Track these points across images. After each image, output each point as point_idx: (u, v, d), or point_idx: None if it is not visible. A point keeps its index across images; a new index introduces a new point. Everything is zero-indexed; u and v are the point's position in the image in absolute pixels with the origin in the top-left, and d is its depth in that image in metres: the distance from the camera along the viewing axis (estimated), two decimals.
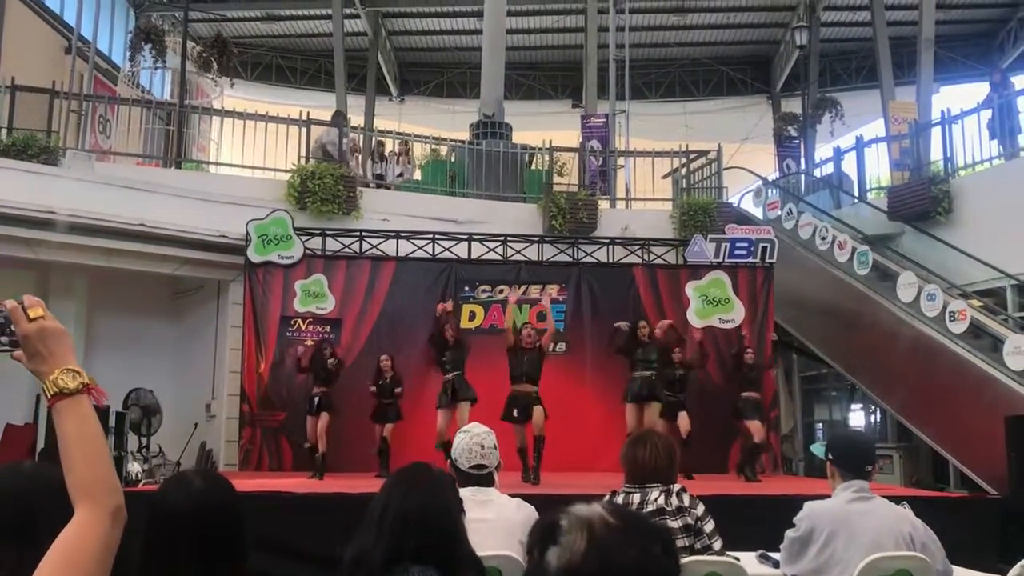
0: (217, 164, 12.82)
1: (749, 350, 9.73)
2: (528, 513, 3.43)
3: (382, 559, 2.00)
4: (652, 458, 3.62)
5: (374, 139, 13.15)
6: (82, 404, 1.35)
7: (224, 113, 12.35)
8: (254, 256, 10.29)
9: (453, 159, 13.39)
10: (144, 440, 9.95)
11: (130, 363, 10.61)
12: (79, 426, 1.33)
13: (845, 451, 3.63)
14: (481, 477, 3.33)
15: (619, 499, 3.69)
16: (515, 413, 8.41)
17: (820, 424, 16.10)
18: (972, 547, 5.37)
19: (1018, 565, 3.19)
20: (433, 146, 13.63)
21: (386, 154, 13.08)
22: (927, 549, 3.38)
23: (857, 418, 15.08)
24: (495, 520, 3.21)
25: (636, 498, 3.63)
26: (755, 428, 9.32)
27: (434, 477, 2.31)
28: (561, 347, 10.69)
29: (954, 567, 3.49)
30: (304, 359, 9.44)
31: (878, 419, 13.70)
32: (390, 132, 13.46)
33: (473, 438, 3.40)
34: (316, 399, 9.14)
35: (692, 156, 13.47)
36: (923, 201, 11.14)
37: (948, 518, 5.04)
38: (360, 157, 12.80)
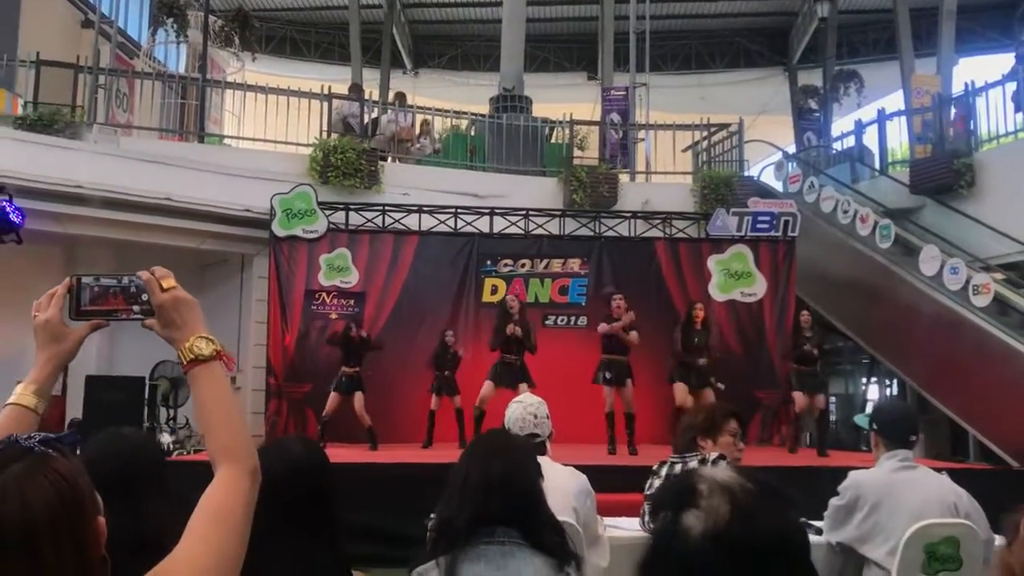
0: (240, 139, 12.84)
1: (805, 313, 9.71)
2: (581, 481, 3.50)
3: (467, 523, 2.07)
4: (688, 418, 3.70)
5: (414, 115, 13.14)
6: (216, 370, 1.41)
7: (247, 87, 12.35)
8: (279, 230, 10.36)
9: (473, 133, 13.39)
10: (172, 412, 10.07)
11: (156, 336, 10.68)
12: (215, 391, 1.39)
13: (889, 421, 3.69)
14: (534, 446, 3.39)
15: (663, 470, 3.76)
16: None
17: (834, 398, 16.16)
18: (997, 519, 5.44)
19: None
20: (454, 120, 13.59)
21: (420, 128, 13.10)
22: (971, 518, 3.44)
23: (873, 392, 15.14)
24: (550, 488, 3.25)
25: (678, 468, 3.70)
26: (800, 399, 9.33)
27: (514, 443, 2.39)
28: (583, 321, 10.76)
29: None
30: (333, 338, 9.55)
31: (894, 392, 13.74)
32: (412, 107, 13.42)
33: (527, 408, 3.47)
34: (343, 378, 9.20)
35: (713, 129, 13.43)
36: (946, 174, 11.11)
37: (973, 489, 5.11)
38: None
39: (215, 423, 1.37)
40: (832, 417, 15.59)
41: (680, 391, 8.91)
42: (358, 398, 9.15)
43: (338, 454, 7.48)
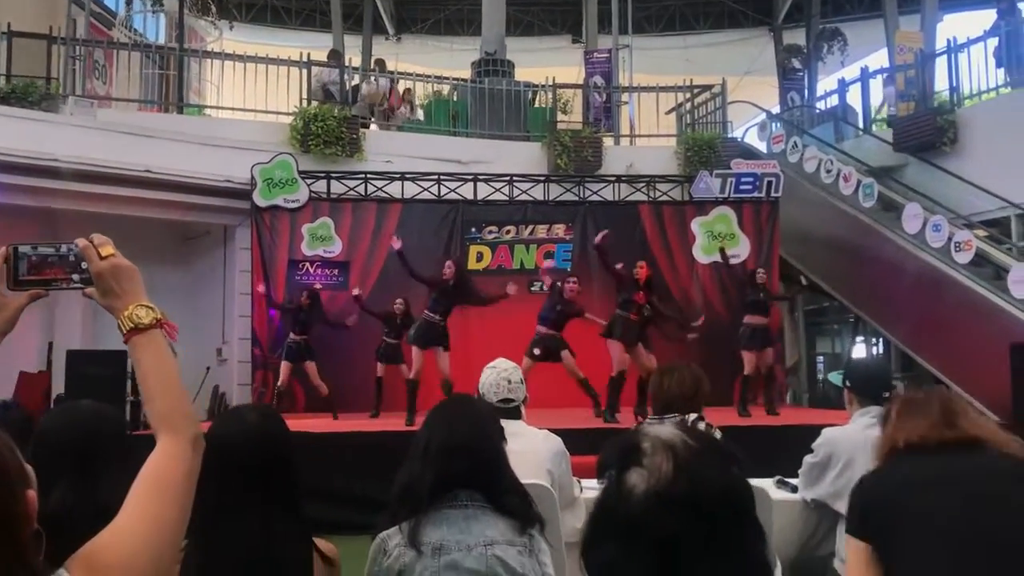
0: (219, 108, 12.71)
1: (761, 271, 9.51)
2: (555, 443, 3.52)
3: (430, 487, 2.08)
4: (675, 387, 3.70)
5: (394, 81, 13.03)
6: (156, 338, 1.39)
7: (224, 56, 12.17)
8: (260, 200, 10.30)
9: (455, 98, 13.27)
10: None
11: None
12: (155, 359, 1.37)
13: (862, 378, 3.71)
14: (509, 410, 3.40)
15: None
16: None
17: (821, 357, 16.27)
18: None
19: None
20: (436, 86, 13.47)
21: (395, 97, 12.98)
22: None
23: (859, 350, 15.22)
24: (523, 451, 3.26)
25: None
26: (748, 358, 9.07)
27: (475, 408, 2.38)
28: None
29: None
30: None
31: (881, 351, 13.81)
32: (392, 72, 13.27)
33: (500, 373, 3.47)
34: (291, 345, 9.41)
35: (696, 91, 13.34)
36: (928, 132, 11.08)
37: None
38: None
39: (155, 392, 1.35)
40: (819, 376, 15.72)
41: (617, 348, 8.61)
42: (311, 368, 9.34)
43: (310, 424, 7.56)
